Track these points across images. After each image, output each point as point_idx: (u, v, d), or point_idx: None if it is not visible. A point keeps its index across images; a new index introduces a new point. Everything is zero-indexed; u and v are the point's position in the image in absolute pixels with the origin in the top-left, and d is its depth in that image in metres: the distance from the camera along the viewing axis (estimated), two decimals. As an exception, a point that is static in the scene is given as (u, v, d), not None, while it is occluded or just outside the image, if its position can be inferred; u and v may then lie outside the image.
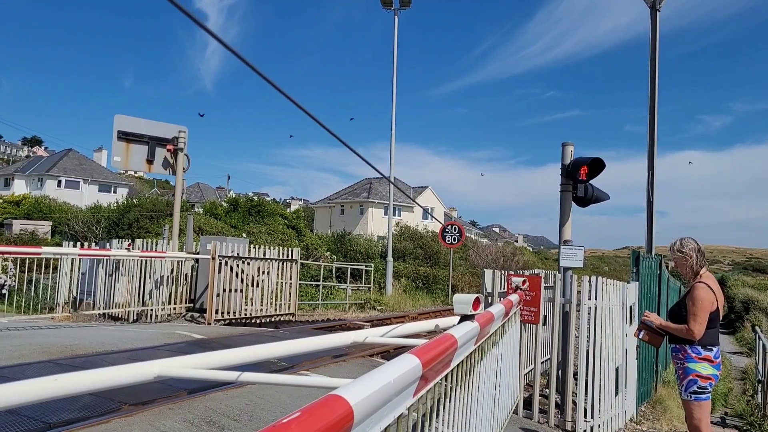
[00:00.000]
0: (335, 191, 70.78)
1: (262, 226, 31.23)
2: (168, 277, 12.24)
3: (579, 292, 6.82)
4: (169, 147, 13.01)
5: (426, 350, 2.13)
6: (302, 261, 17.79)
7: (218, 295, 12.06)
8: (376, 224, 56.22)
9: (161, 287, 12.12)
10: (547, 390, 7.11)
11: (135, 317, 11.73)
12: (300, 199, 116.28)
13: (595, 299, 6.72)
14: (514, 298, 5.46)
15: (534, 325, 6.91)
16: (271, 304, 13.60)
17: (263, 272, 13.37)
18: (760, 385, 11.43)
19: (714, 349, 4.62)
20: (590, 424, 6.61)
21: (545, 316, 7.09)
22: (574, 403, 6.74)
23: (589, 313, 6.69)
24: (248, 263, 12.90)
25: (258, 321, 13.10)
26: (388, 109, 24.55)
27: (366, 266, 24.40)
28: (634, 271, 8.27)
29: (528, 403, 6.99)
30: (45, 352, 6.81)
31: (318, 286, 21.19)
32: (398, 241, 34.41)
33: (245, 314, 12.84)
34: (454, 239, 20.77)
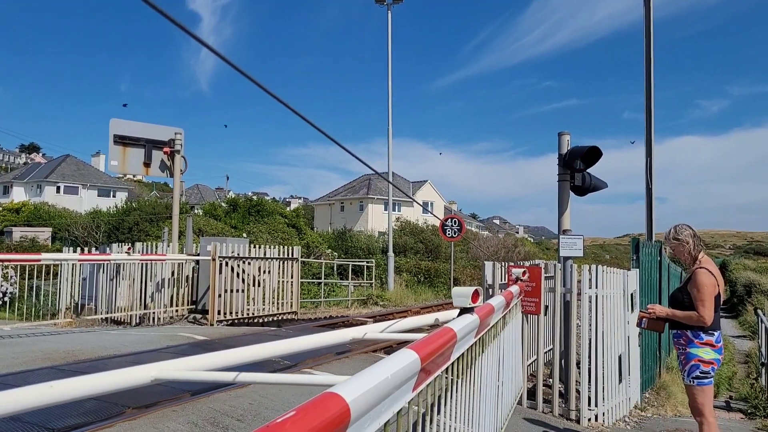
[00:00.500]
0: (335, 188, 70.78)
1: (262, 225, 31.24)
2: (169, 279, 12.24)
3: (579, 282, 6.82)
4: (165, 149, 12.99)
5: (424, 344, 2.13)
6: (303, 259, 17.79)
7: (220, 295, 12.06)
8: (376, 220, 56.26)
9: (162, 290, 12.12)
10: (551, 380, 7.12)
11: (137, 321, 11.75)
12: (300, 198, 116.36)
13: (596, 288, 6.72)
14: (514, 289, 5.46)
15: (536, 316, 6.92)
16: (273, 303, 13.61)
17: (264, 271, 13.38)
18: (763, 368, 11.45)
19: (715, 333, 4.63)
20: (594, 413, 6.62)
21: (546, 307, 7.10)
22: (577, 392, 6.75)
23: (590, 302, 6.69)
24: (249, 263, 12.91)
25: (260, 320, 13.11)
26: (386, 105, 24.54)
27: (367, 262, 24.41)
28: (635, 258, 8.27)
29: (532, 394, 7.00)
30: (48, 358, 6.82)
31: (320, 283, 21.20)
32: (399, 236, 34.43)
33: (247, 314, 12.85)
34: (455, 232, 20.75)
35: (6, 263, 11.91)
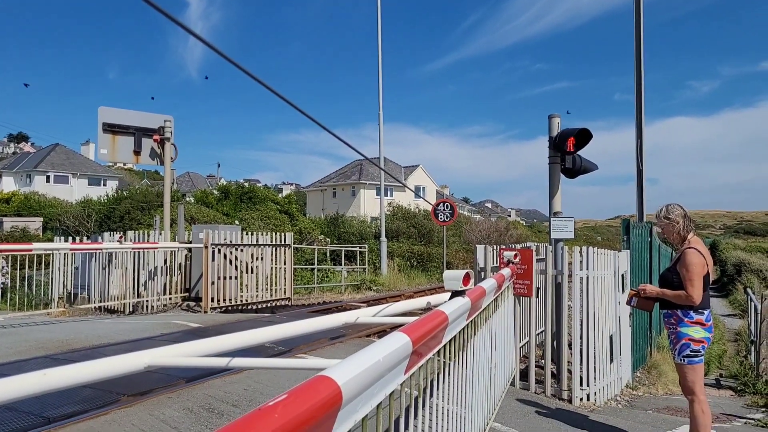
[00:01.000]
0: (327, 174, 70.60)
1: (255, 212, 31.16)
2: (162, 267, 12.23)
3: (571, 263, 6.86)
4: (155, 137, 12.91)
5: (416, 327, 2.15)
6: (296, 245, 17.79)
7: (213, 283, 12.07)
8: (369, 205, 56.20)
9: (155, 278, 12.11)
10: (543, 361, 7.18)
11: (131, 309, 11.74)
12: (291, 184, 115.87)
13: (587, 269, 6.77)
14: (506, 272, 5.49)
15: (527, 298, 6.97)
16: (266, 289, 13.62)
17: (257, 258, 13.38)
18: (752, 345, 11.59)
19: (705, 312, 4.67)
20: (586, 392, 6.70)
21: (538, 289, 7.14)
22: (569, 372, 6.82)
23: (581, 283, 6.74)
24: (242, 250, 12.90)
25: (254, 307, 13.13)
26: (377, 90, 24.40)
27: (360, 248, 24.44)
28: (625, 239, 8.32)
29: (524, 375, 7.07)
30: (42, 347, 6.82)
31: (313, 269, 21.22)
32: (391, 221, 34.44)
33: (241, 301, 12.86)
34: (447, 217, 20.77)
35: (-3, 254, 11.84)
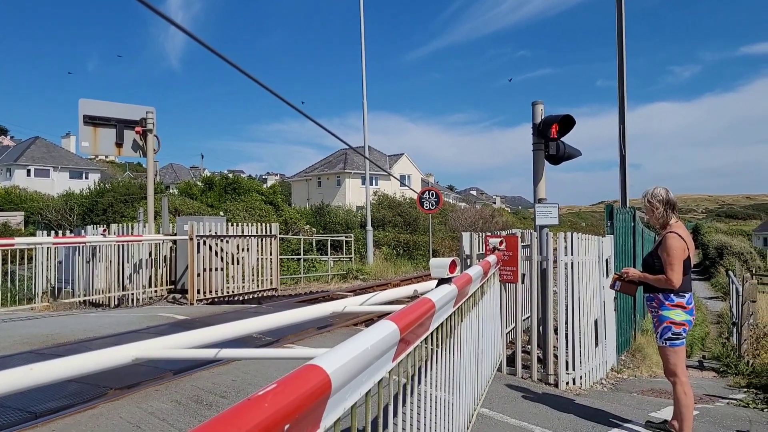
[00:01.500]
0: (311, 164, 70.31)
1: (239, 203, 30.98)
2: (147, 260, 12.14)
3: (556, 249, 6.92)
4: (137, 129, 12.76)
5: (403, 315, 2.16)
6: (282, 236, 17.74)
7: (199, 275, 12.02)
8: (354, 194, 56.11)
9: (141, 271, 12.03)
10: (529, 346, 7.26)
11: (116, 302, 11.67)
12: (276, 174, 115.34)
13: (572, 255, 6.83)
14: (491, 258, 5.53)
15: (513, 284, 7.02)
16: (253, 280, 13.60)
17: (243, 249, 13.33)
18: (734, 327, 11.79)
19: (686, 295, 4.74)
20: (572, 376, 6.78)
21: (524, 275, 7.20)
22: (555, 357, 6.90)
23: (566, 269, 6.80)
24: (227, 241, 12.85)
25: (241, 298, 13.11)
26: (360, 79, 24.28)
27: (346, 237, 24.43)
28: (609, 224, 8.40)
29: (511, 360, 7.14)
30: (26, 342, 6.76)
31: (299, 259, 21.19)
32: (377, 210, 34.44)
33: (228, 292, 12.83)
34: (432, 205, 20.82)
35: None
